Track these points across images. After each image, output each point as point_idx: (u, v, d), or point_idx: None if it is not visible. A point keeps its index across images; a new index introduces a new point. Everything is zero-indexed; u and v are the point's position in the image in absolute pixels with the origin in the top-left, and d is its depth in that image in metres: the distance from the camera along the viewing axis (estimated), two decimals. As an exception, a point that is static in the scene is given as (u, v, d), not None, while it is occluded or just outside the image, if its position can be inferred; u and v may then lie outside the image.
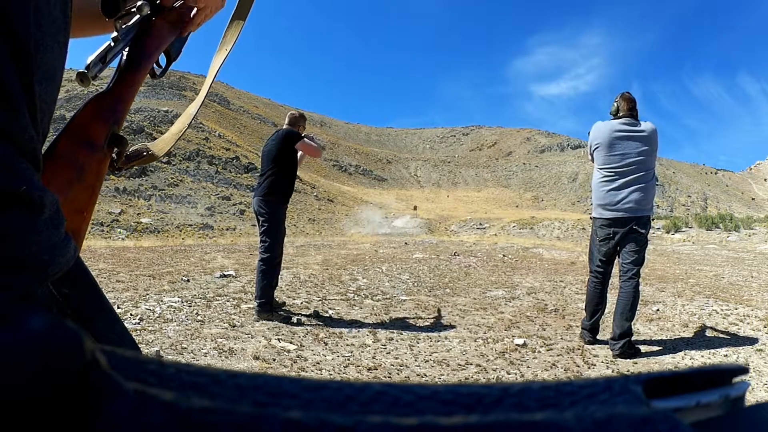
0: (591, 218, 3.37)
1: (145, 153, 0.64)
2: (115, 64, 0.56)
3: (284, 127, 3.82)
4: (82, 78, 0.51)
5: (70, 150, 0.47)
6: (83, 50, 0.56)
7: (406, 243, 11.52)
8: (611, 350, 3.06)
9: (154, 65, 0.61)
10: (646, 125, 3.13)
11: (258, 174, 3.81)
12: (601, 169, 3.20)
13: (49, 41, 0.35)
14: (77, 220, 0.47)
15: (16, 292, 0.31)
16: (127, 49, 0.56)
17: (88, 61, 0.52)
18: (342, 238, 14.79)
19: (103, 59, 0.52)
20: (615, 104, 3.26)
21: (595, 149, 3.23)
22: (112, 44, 0.54)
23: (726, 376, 0.19)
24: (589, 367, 2.88)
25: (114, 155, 0.53)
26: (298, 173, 3.96)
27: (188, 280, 4.84)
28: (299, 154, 3.81)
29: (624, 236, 3.11)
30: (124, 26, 0.55)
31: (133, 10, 0.55)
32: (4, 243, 0.29)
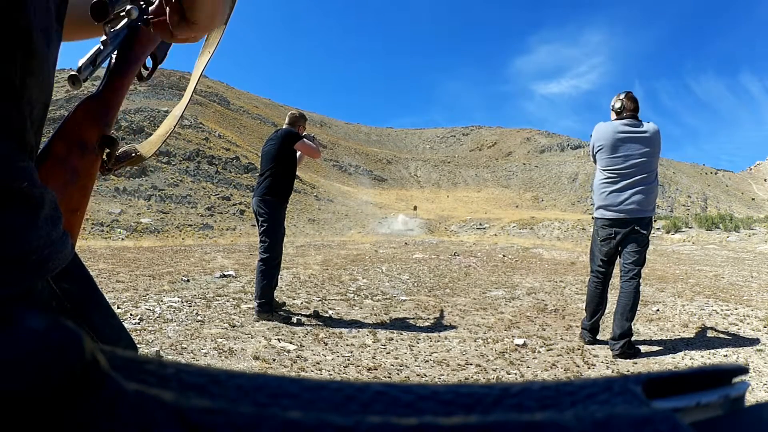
0: (593, 218, 3.37)
1: (133, 154, 0.66)
2: (105, 66, 0.57)
3: (284, 127, 3.82)
4: (74, 80, 0.52)
5: (63, 152, 0.48)
6: (75, 53, 0.57)
7: (406, 243, 11.51)
8: (611, 350, 3.06)
9: (142, 68, 0.63)
10: (648, 126, 3.13)
11: (258, 174, 3.82)
12: (603, 170, 3.20)
13: (41, 35, 0.35)
14: (72, 219, 0.49)
15: (17, 287, 0.31)
16: (115, 52, 0.57)
17: (80, 64, 0.53)
18: (342, 238, 14.78)
19: (93, 62, 0.54)
20: (620, 102, 3.22)
21: (598, 151, 3.22)
22: (102, 48, 0.55)
23: (726, 376, 0.19)
24: (589, 367, 2.87)
25: (105, 156, 0.54)
26: (297, 173, 3.96)
27: (188, 280, 4.84)
28: (298, 154, 3.81)
29: (625, 237, 3.11)
30: (112, 30, 0.56)
31: (122, 14, 0.56)
32: (5, 239, 0.29)
